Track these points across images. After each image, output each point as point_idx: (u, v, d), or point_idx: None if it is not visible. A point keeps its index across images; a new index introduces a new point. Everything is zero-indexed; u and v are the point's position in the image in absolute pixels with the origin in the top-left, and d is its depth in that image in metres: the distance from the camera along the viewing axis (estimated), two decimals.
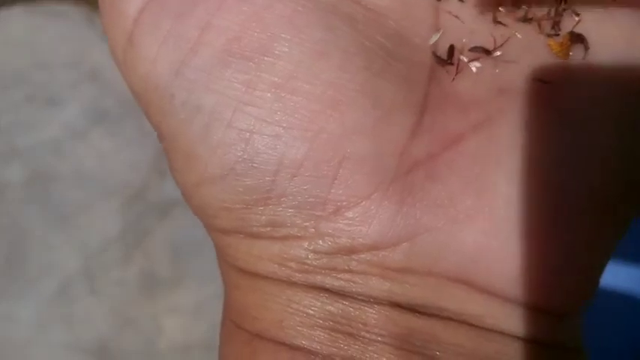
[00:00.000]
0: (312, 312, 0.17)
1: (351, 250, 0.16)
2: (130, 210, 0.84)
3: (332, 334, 0.17)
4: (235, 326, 0.18)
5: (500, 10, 0.19)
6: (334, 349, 0.17)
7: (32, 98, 0.91)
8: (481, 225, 0.16)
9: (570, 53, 0.18)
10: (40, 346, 0.78)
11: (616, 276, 0.41)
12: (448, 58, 0.18)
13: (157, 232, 0.83)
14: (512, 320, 0.17)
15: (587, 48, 0.18)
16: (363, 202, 0.16)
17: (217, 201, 0.17)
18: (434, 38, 0.18)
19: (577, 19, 0.18)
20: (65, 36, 0.95)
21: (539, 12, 0.19)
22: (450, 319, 0.17)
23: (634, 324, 0.40)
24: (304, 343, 0.17)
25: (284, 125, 0.16)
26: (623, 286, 0.41)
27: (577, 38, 0.18)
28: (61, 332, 0.78)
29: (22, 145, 0.89)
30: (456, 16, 0.18)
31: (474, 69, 0.18)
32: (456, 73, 0.18)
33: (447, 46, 0.18)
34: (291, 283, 0.17)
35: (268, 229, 0.17)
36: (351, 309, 0.17)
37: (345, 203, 0.16)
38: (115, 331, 0.78)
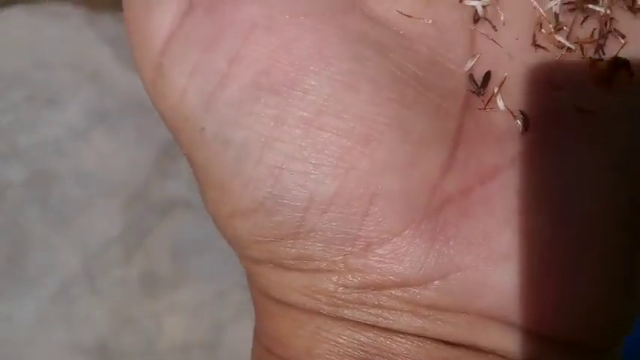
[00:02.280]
0: (341, 340, 0.17)
1: (381, 286, 0.16)
2: (131, 210, 0.84)
3: None
4: (266, 351, 0.18)
5: (540, 32, 0.17)
6: None
7: (33, 98, 0.91)
8: (517, 264, 0.16)
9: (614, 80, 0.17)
10: (40, 345, 0.77)
11: None
12: (483, 86, 0.17)
13: (158, 232, 0.83)
14: (550, 357, 0.16)
15: (631, 75, 0.17)
16: (394, 239, 0.16)
17: (248, 234, 0.17)
18: (469, 64, 0.17)
19: (623, 41, 0.17)
20: (66, 37, 0.94)
21: (583, 34, 0.18)
22: (485, 351, 0.17)
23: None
24: None
25: (313, 162, 0.16)
26: None
27: (621, 64, 0.17)
28: (62, 332, 0.78)
29: (22, 146, 0.88)
30: (493, 40, 0.17)
31: (501, 105, 0.17)
32: (487, 103, 0.17)
33: (484, 71, 0.17)
34: (321, 313, 0.17)
35: (298, 261, 0.17)
36: (382, 338, 0.17)
37: (375, 240, 0.16)
38: (115, 330, 0.78)
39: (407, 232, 0.16)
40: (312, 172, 0.16)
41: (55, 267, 0.81)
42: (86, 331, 0.78)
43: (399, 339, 0.17)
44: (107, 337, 0.77)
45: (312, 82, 0.16)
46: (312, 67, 0.16)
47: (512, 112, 0.17)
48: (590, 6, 0.17)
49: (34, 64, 0.94)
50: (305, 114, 0.16)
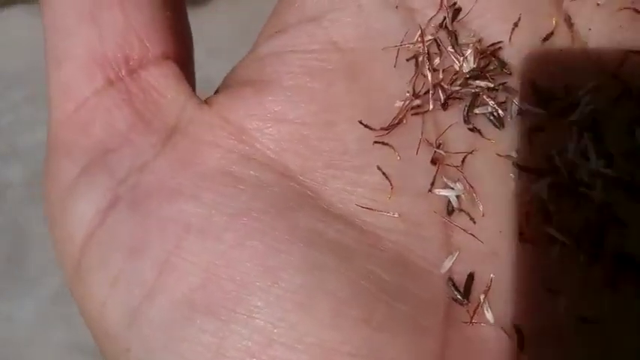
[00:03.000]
0: None
1: None
2: None
3: None
4: None
5: (527, 223, 0.15)
6: None
7: (32, 98, 0.90)
8: None
9: None
10: (40, 345, 0.77)
11: None
12: (465, 294, 0.14)
13: None
14: None
15: None
16: None
17: None
18: (447, 264, 0.14)
19: (625, 232, 0.15)
20: None
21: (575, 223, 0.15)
22: None
23: None
24: None
25: None
26: None
27: (626, 261, 0.14)
28: (62, 332, 0.77)
29: (22, 146, 0.87)
30: (472, 234, 0.14)
31: (490, 318, 0.14)
32: (473, 314, 0.14)
33: (466, 272, 0.15)
34: None
35: None
36: None
37: None
38: None
39: None
40: None
41: (55, 267, 0.80)
42: (86, 331, 0.77)
43: None
44: None
45: (258, 303, 0.13)
46: (257, 283, 0.13)
47: (503, 329, 0.14)
48: (583, 189, 0.14)
49: (34, 64, 0.93)
50: (250, 344, 0.13)
